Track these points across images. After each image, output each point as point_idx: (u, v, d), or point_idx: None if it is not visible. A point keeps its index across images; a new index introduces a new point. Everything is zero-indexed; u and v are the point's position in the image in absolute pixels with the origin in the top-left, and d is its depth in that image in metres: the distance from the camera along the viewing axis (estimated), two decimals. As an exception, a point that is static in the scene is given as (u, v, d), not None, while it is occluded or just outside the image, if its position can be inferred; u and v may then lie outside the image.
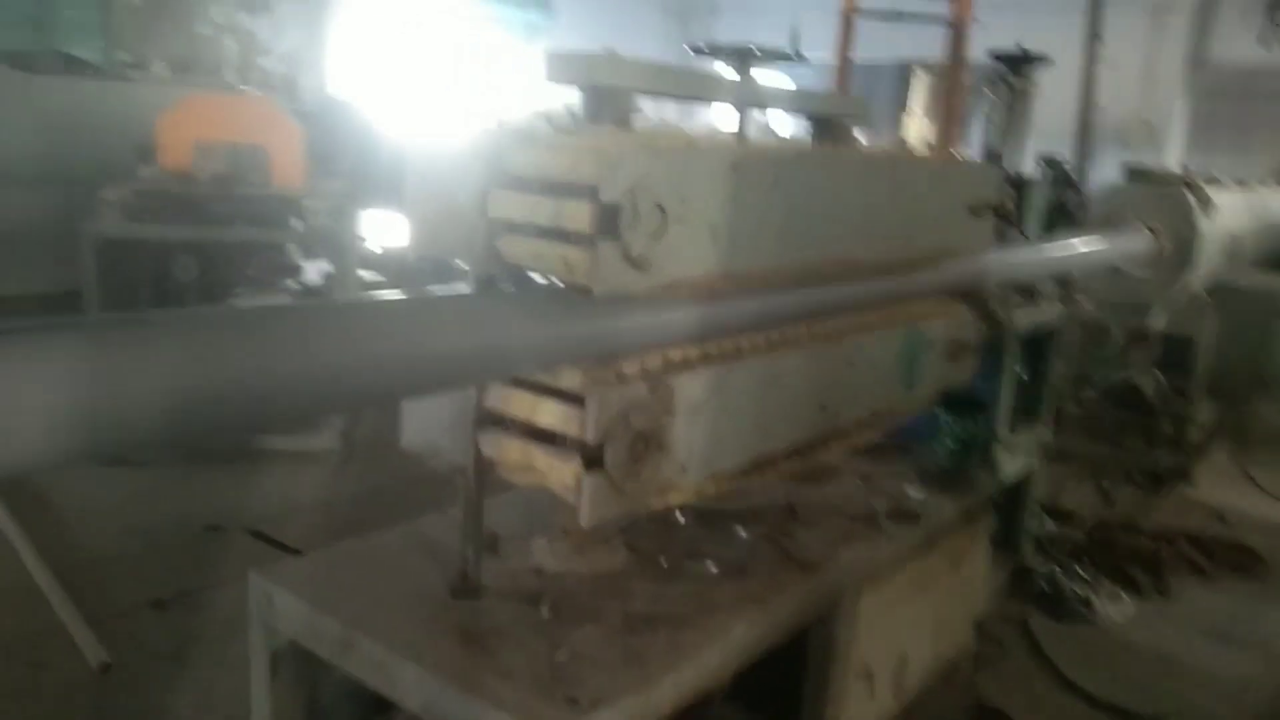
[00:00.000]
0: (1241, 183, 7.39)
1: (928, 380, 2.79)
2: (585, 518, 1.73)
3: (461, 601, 2.04)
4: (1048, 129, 11.44)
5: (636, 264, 1.69)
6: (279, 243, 5.32)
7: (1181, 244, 4.78)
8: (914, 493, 2.94)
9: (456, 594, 2.06)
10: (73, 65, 6.33)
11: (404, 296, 1.74)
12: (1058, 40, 10.14)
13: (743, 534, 2.53)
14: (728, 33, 15.52)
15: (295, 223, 4.97)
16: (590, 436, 1.70)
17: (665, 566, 2.30)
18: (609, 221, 1.63)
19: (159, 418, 1.18)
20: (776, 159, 2.06)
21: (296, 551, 3.30)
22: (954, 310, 2.88)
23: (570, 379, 1.74)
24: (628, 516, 1.94)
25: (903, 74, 12.79)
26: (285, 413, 1.45)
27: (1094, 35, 9.50)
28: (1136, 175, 5.20)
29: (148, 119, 5.10)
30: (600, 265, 1.64)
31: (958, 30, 6.40)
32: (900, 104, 12.34)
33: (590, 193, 1.63)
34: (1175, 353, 5.90)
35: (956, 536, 2.98)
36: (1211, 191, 5.19)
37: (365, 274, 6.25)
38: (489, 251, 1.78)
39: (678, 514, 2.58)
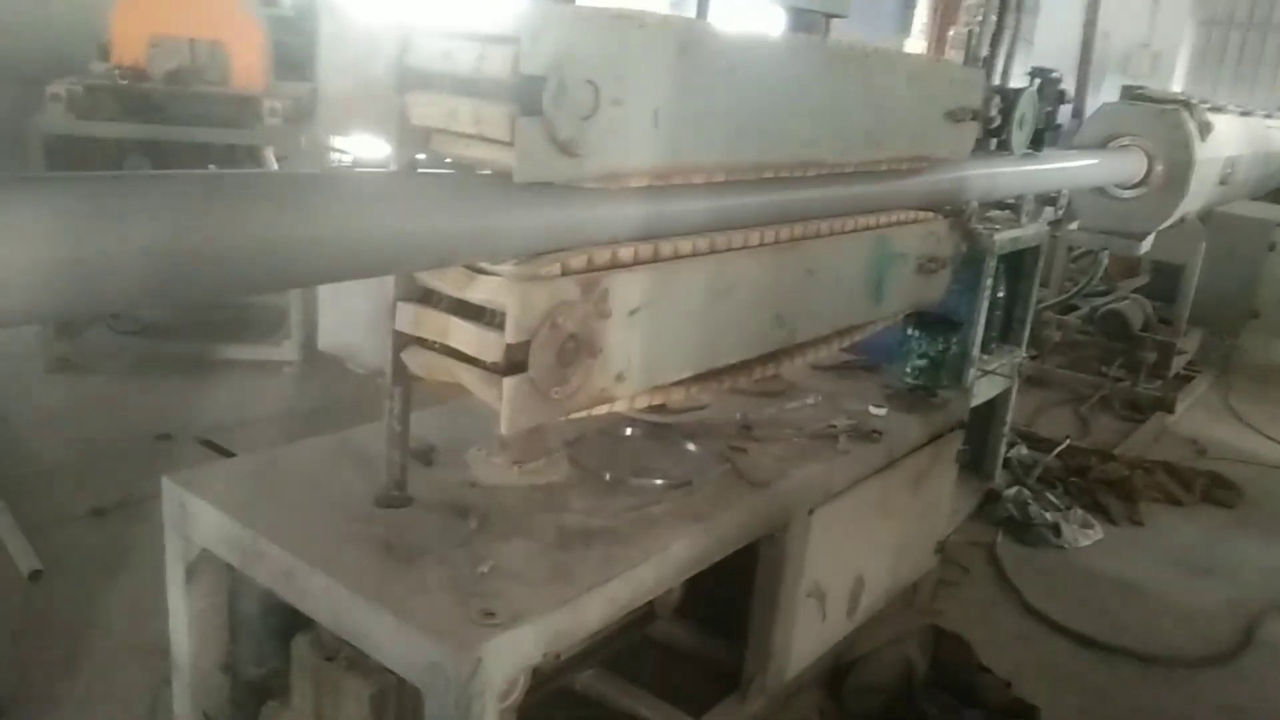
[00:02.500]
0: (1244, 111, 7.18)
1: (897, 295, 2.66)
2: (506, 423, 1.61)
3: (386, 512, 1.94)
4: (1050, 56, 11.20)
5: (564, 148, 1.54)
6: (249, 145, 5.11)
7: (1175, 168, 4.61)
8: (877, 411, 2.83)
9: (382, 504, 1.96)
10: (28, -44, 6.03)
11: (311, 173, 1.59)
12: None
13: (693, 449, 2.42)
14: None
15: (259, 124, 4.76)
16: (512, 336, 1.57)
17: (609, 481, 2.20)
18: (531, 97, 1.47)
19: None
20: (733, 43, 1.89)
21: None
22: (928, 222, 2.73)
23: (488, 282, 1.60)
24: (553, 422, 1.83)
25: (907, -3, 12.44)
26: (199, 287, 1.29)
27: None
28: (1134, 95, 5.00)
29: (108, 14, 4.86)
30: (523, 146, 1.49)
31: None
32: (904, 24, 11.99)
33: (511, 65, 1.47)
34: (1163, 280, 5.77)
35: (920, 457, 2.89)
36: (1210, 116, 5.01)
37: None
38: (405, 130, 1.63)
39: (627, 428, 2.48)
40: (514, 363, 1.60)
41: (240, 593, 2.03)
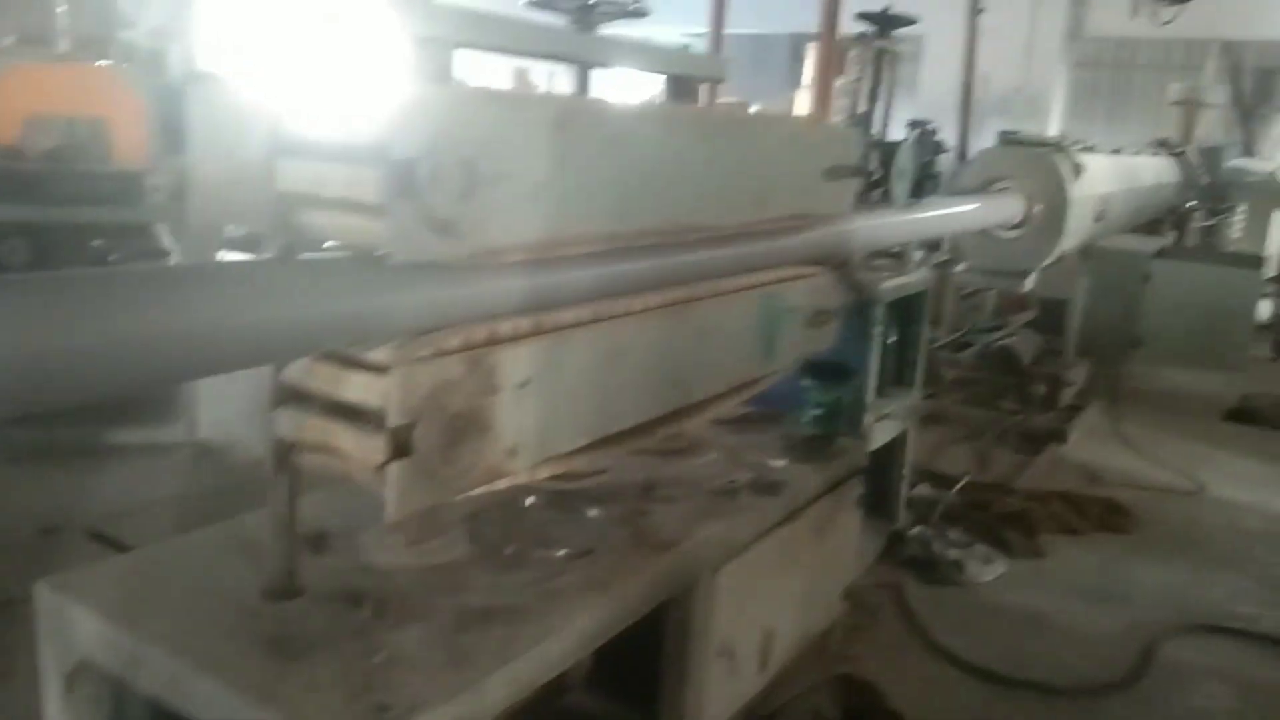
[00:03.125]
0: (1115, 150, 7.58)
1: (788, 348, 2.70)
2: (392, 510, 1.58)
3: (276, 605, 1.87)
4: (934, 101, 11.72)
5: (442, 228, 1.54)
6: (136, 223, 4.97)
7: (1052, 208, 4.83)
8: (777, 463, 2.87)
9: (271, 597, 1.89)
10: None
11: (182, 266, 1.56)
12: (945, 13, 10.33)
13: (595, 515, 2.41)
14: None
15: (144, 201, 4.64)
16: (395, 419, 1.55)
17: (509, 555, 2.17)
18: (405, 180, 1.47)
19: None
20: (611, 116, 1.93)
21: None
22: (815, 276, 2.80)
23: (374, 356, 1.58)
24: (444, 505, 1.80)
25: (795, 46, 12.81)
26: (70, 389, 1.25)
27: (975, 7, 9.63)
28: (1009, 140, 5.24)
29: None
30: (398, 229, 1.49)
31: (830, -4, 6.39)
32: (793, 77, 12.36)
33: (384, 149, 1.47)
34: (1049, 315, 6.01)
35: (822, 506, 2.93)
36: (1083, 157, 5.27)
37: (230, 256, 5.91)
38: (280, 217, 1.61)
39: (527, 497, 2.46)
40: (399, 447, 1.57)
41: (124, 701, 1.93)
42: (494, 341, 1.72)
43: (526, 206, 1.72)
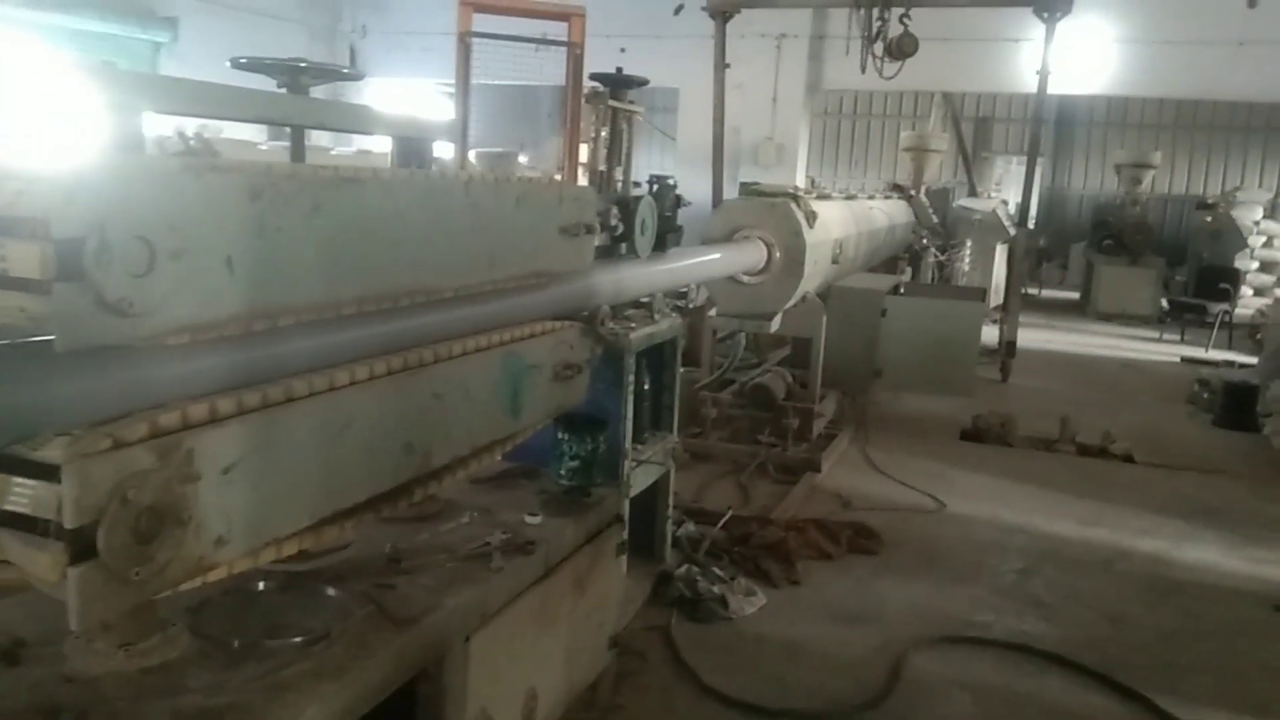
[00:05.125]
0: (850, 194, 8.17)
1: (536, 404, 2.70)
2: (77, 618, 1.44)
3: (-48, 733, 1.66)
4: (692, 151, 12.24)
5: (115, 309, 1.43)
6: None
7: (790, 253, 5.13)
8: (531, 520, 2.85)
9: (-53, 724, 1.68)
10: None
11: None
12: (696, 68, 10.86)
13: (335, 595, 2.30)
14: (375, 55, 15.09)
15: None
16: (72, 521, 1.41)
17: (237, 648, 2.03)
18: (69, 260, 1.36)
19: None
20: (314, 183, 1.86)
21: None
22: (559, 331, 2.82)
23: (44, 454, 1.44)
24: (153, 607, 1.66)
25: (560, 96, 13.06)
26: None
27: (721, 62, 10.16)
28: (749, 190, 5.54)
29: None
30: (63, 313, 1.37)
31: (574, 54, 6.56)
32: (558, 126, 12.57)
33: (40, 228, 1.35)
34: (798, 352, 6.36)
35: (580, 558, 2.93)
36: (817, 204, 5.64)
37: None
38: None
39: (260, 581, 2.32)
40: (82, 547, 1.44)
41: None
42: (189, 425, 1.60)
43: (220, 280, 1.63)
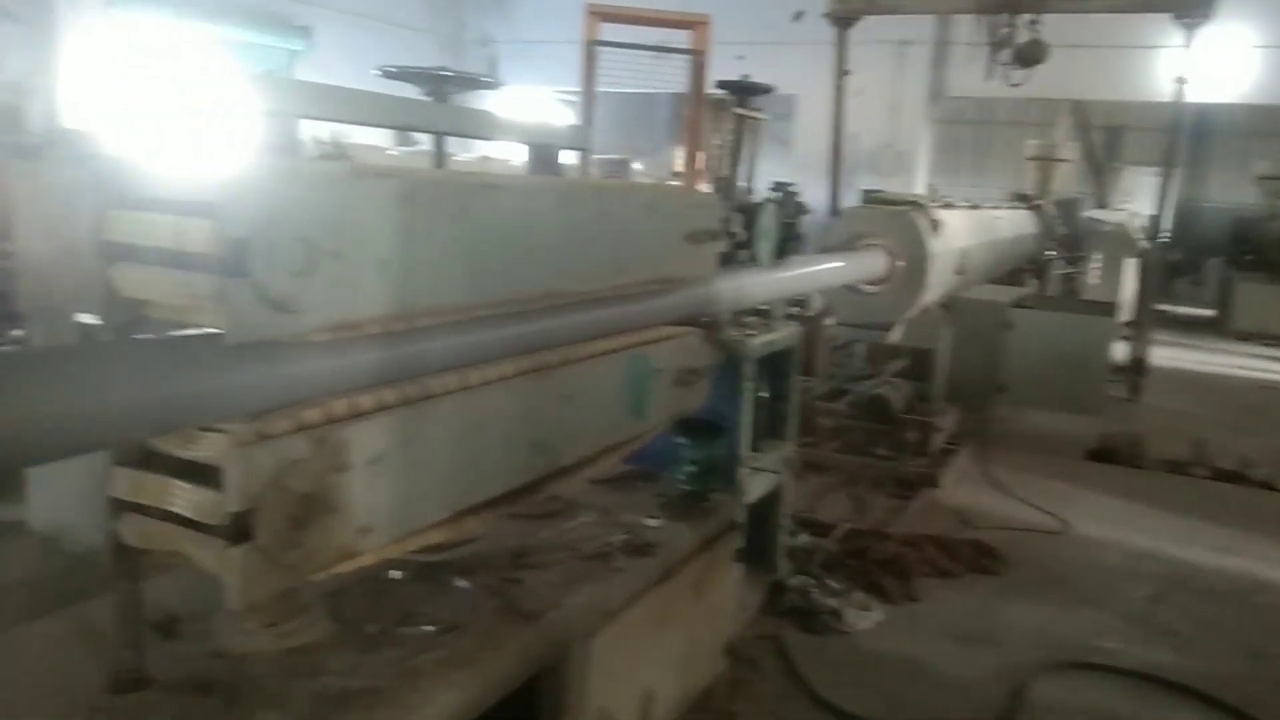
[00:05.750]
0: (974, 204, 7.98)
1: (657, 408, 2.73)
2: (236, 599, 1.53)
3: (119, 699, 1.78)
4: (808, 158, 12.15)
5: (279, 305, 1.51)
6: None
7: (913, 263, 5.04)
8: (651, 523, 2.88)
9: (116, 689, 1.80)
10: None
11: (9, 349, 1.49)
12: (814, 74, 10.77)
13: (464, 587, 2.37)
14: (497, 63, 15.45)
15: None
16: (235, 504, 1.50)
17: (372, 633, 2.11)
18: (237, 259, 1.44)
19: None
20: (459, 189, 1.94)
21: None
22: (682, 336, 2.85)
23: (210, 440, 1.53)
24: (293, 588, 1.75)
25: (677, 104, 13.12)
26: None
27: (842, 69, 10.05)
28: (872, 199, 5.46)
29: None
30: (232, 309, 1.46)
31: (698, 61, 6.58)
32: (675, 134, 12.64)
33: (215, 228, 1.44)
34: (918, 364, 6.23)
35: (698, 563, 2.95)
36: (941, 212, 5.53)
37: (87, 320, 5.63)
38: (111, 296, 1.56)
39: (394, 571, 2.41)
40: (241, 530, 1.52)
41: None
42: (341, 418, 1.68)
43: (373, 280, 1.71)
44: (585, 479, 2.61)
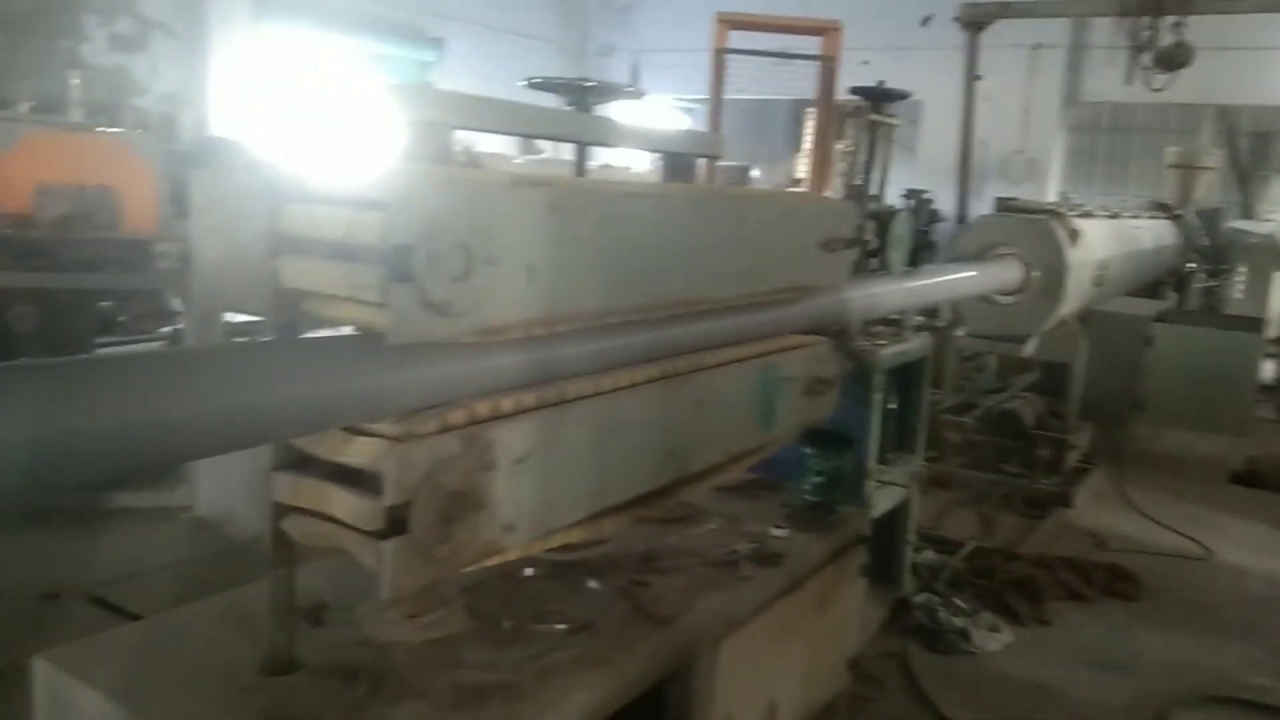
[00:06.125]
0: (1113, 213, 7.67)
1: (786, 417, 2.72)
2: (388, 587, 1.59)
3: (271, 680, 1.87)
4: (934, 165, 11.87)
5: (438, 309, 1.57)
6: (145, 288, 5.06)
7: (1050, 274, 4.87)
8: (778, 533, 2.86)
9: (267, 672, 1.89)
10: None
11: (184, 347, 1.59)
12: (943, 79, 10.53)
13: (595, 587, 2.41)
14: (619, 73, 15.62)
15: (153, 268, 4.72)
16: (391, 498, 1.56)
17: (508, 629, 2.16)
18: (401, 264, 1.50)
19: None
20: (603, 197, 1.97)
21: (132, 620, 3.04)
22: (813, 345, 2.82)
23: (367, 439, 1.60)
24: (441, 583, 1.80)
25: (797, 110, 13.00)
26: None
27: (972, 74, 9.81)
28: (1006, 207, 5.30)
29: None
30: (395, 312, 1.52)
31: (828, 68, 6.52)
32: (795, 141, 12.53)
33: (380, 235, 1.50)
34: (1052, 379, 6.02)
35: (824, 575, 2.91)
36: (1080, 222, 5.33)
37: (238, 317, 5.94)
38: (279, 300, 1.64)
39: (527, 569, 2.46)
40: (395, 524, 1.59)
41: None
42: (490, 418, 1.73)
43: (521, 286, 1.75)
44: (712, 486, 2.62)
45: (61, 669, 1.87)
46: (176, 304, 5.11)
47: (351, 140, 2.00)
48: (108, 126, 6.48)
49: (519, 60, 12.17)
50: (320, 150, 1.84)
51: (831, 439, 3.11)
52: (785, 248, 2.58)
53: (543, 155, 10.51)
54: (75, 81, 7.11)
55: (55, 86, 7.33)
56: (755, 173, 13.03)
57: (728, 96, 8.04)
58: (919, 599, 3.97)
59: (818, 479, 3.07)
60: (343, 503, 1.63)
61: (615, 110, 2.56)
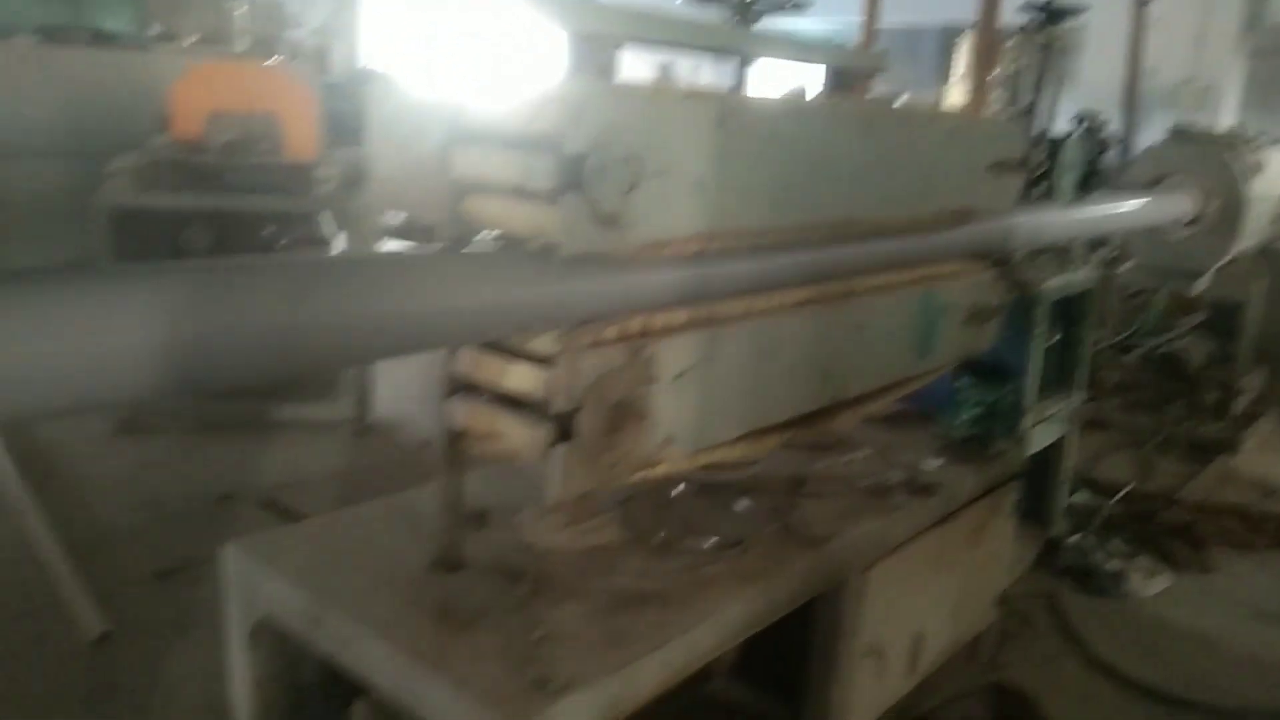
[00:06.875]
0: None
1: (945, 346, 2.65)
2: (555, 491, 1.64)
3: (440, 577, 1.96)
4: (1097, 93, 11.13)
5: (608, 221, 1.58)
6: (303, 212, 5.28)
7: (1227, 207, 4.55)
8: (931, 464, 2.81)
9: (437, 568, 1.98)
10: (98, 38, 6.33)
11: (365, 255, 1.65)
12: (1109, 2, 9.83)
13: (745, 507, 2.42)
14: (764, -3, 15.19)
15: (312, 192, 4.92)
16: (560, 405, 1.60)
17: (660, 541, 2.20)
18: (574, 174, 1.51)
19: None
20: (770, 112, 1.93)
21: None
22: (975, 273, 2.73)
23: (539, 344, 1.64)
24: (603, 489, 1.84)
25: (946, 39, 12.38)
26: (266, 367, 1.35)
27: (1142, -4, 9.14)
28: (1180, 136, 4.95)
29: (163, 91, 5.07)
30: (567, 222, 1.53)
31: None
32: (943, 70, 11.97)
33: (554, 143, 1.52)
34: (1222, 318, 5.64)
35: (977, 509, 2.85)
36: (1262, 152, 4.94)
37: (389, 245, 6.14)
38: (453, 209, 1.68)
39: (677, 486, 2.49)
40: (562, 430, 1.62)
41: (300, 658, 2.06)
42: (653, 332, 1.75)
43: (686, 201, 1.74)
44: (863, 416, 2.58)
45: (251, 556, 2.00)
46: (329, 228, 5.30)
47: (505, 64, 2.01)
48: (268, 57, 6.74)
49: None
50: (487, 71, 1.86)
51: (990, 371, 3.01)
52: (951, 170, 2.49)
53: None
54: (240, 13, 7.39)
55: (216, 20, 7.61)
56: (904, 98, 12.53)
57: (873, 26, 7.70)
58: (1072, 540, 3.84)
59: (974, 411, 2.99)
60: (511, 420, 1.67)
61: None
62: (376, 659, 1.73)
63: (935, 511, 2.65)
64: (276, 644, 2.02)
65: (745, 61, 2.32)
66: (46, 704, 2.73)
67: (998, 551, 3.06)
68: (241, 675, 2.05)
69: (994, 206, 2.68)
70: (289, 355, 1.32)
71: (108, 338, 1.11)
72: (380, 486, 2.41)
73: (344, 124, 5.45)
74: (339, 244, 5.28)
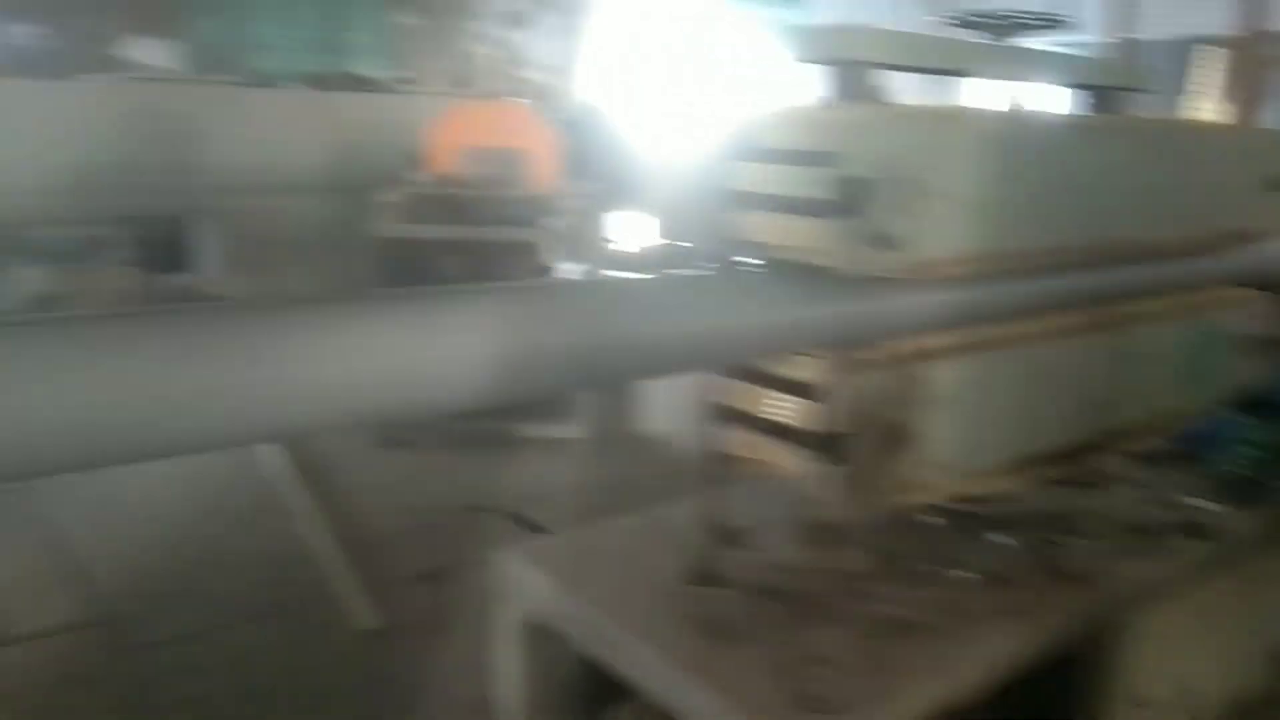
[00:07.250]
0: None
1: (1219, 379, 2.49)
2: (821, 513, 1.66)
3: (699, 590, 2.01)
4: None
5: (885, 242, 1.60)
6: (531, 243, 5.57)
7: None
8: (1203, 505, 2.62)
9: (694, 582, 2.04)
10: (357, 83, 6.96)
11: (642, 278, 1.74)
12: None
13: (1001, 541, 2.34)
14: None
15: (548, 223, 5.19)
16: (831, 425, 1.62)
17: (915, 571, 2.17)
18: (854, 197, 1.54)
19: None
20: (1045, 131, 1.90)
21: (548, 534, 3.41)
22: (1250, 300, 2.55)
23: (810, 365, 1.67)
24: (868, 513, 1.84)
25: (1182, 52, 11.49)
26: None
27: None
28: None
29: (420, 129, 5.50)
30: (845, 244, 1.56)
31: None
32: (1178, 85, 11.09)
33: (834, 167, 1.55)
34: None
35: (1255, 557, 2.63)
36: None
37: (614, 273, 6.37)
38: (731, 233, 1.75)
39: (929, 516, 2.44)
40: (832, 450, 1.65)
41: (562, 658, 2.17)
42: (923, 355, 1.74)
43: (959, 222, 1.73)
44: (1126, 451, 2.45)
45: (522, 560, 2.13)
46: (549, 258, 5.53)
47: (737, 93, 2.06)
48: (508, 96, 7.17)
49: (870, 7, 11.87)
50: (698, 110, 1.92)
51: (1269, 406, 2.78)
52: (1228, 187, 2.34)
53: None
54: (481, 56, 7.90)
55: (460, 62, 8.16)
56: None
57: (1092, 39, 7.25)
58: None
59: (1252, 451, 2.77)
60: (778, 445, 1.71)
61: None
62: (647, 664, 1.80)
63: (1210, 556, 2.47)
64: (543, 644, 2.14)
65: (1009, 82, 2.28)
66: (326, 691, 2.99)
67: (1276, 605, 2.81)
68: (510, 672, 2.18)
69: (1272, 227, 2.50)
70: (593, 370, 1.42)
71: (448, 350, 1.23)
72: (622, 503, 2.50)
73: (569, 157, 5.74)
74: (578, 272, 5.53)
